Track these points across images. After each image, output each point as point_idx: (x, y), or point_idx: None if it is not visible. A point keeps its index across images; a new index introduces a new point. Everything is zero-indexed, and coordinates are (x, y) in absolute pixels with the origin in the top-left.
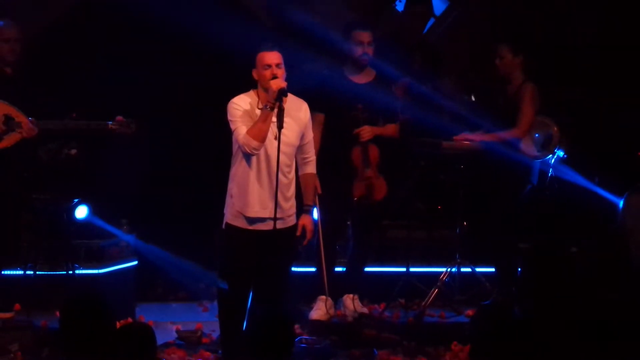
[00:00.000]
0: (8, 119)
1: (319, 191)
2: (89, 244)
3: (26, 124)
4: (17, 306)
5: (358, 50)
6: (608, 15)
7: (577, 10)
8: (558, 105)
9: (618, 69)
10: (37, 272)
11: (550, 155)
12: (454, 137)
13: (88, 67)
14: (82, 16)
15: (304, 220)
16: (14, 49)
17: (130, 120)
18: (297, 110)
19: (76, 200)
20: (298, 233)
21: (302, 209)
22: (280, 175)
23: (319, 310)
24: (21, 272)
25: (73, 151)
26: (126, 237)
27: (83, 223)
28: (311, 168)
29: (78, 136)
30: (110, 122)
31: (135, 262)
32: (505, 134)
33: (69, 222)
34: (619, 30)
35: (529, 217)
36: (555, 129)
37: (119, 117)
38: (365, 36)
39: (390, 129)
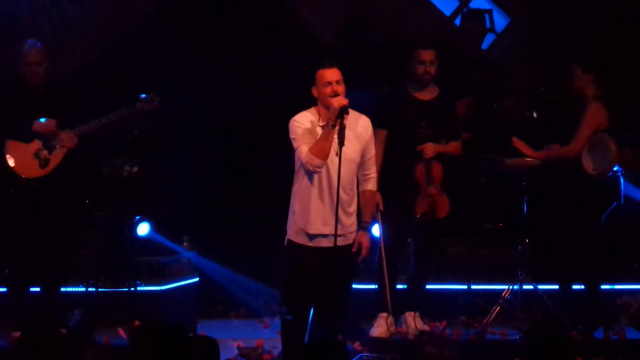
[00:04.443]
0: (44, 141)
1: (382, 208)
2: (151, 260)
3: (65, 136)
4: None
5: (420, 69)
6: None
7: None
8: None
9: None
10: (99, 289)
11: (613, 173)
12: (513, 139)
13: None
14: (135, 35)
15: (361, 237)
16: (37, 72)
17: (153, 94)
18: (359, 127)
19: (138, 217)
20: (354, 249)
21: (360, 225)
22: (341, 192)
23: (380, 327)
24: (83, 289)
25: (135, 168)
26: (187, 254)
27: (145, 240)
28: (372, 185)
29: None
30: (137, 103)
31: (197, 279)
32: (558, 152)
33: (131, 239)
34: None
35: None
36: (613, 147)
37: (142, 97)
38: (427, 55)
39: (453, 147)
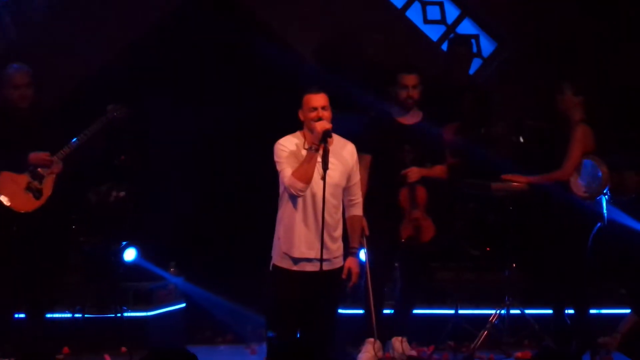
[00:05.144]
0: (31, 172)
1: (367, 232)
2: (138, 286)
3: (51, 163)
4: (66, 349)
5: (403, 93)
6: None
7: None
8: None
9: None
10: (86, 315)
11: (602, 197)
12: (502, 176)
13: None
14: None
15: (350, 262)
16: (25, 95)
17: (119, 104)
18: (344, 152)
19: (125, 242)
20: (344, 276)
21: (349, 251)
22: (326, 216)
23: (367, 353)
24: (70, 315)
25: (122, 194)
26: (174, 280)
27: (131, 266)
28: (358, 210)
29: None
30: (106, 114)
31: (184, 305)
32: (550, 176)
33: (118, 265)
34: None
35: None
36: (605, 169)
37: (109, 106)
38: (410, 79)
39: (438, 170)
